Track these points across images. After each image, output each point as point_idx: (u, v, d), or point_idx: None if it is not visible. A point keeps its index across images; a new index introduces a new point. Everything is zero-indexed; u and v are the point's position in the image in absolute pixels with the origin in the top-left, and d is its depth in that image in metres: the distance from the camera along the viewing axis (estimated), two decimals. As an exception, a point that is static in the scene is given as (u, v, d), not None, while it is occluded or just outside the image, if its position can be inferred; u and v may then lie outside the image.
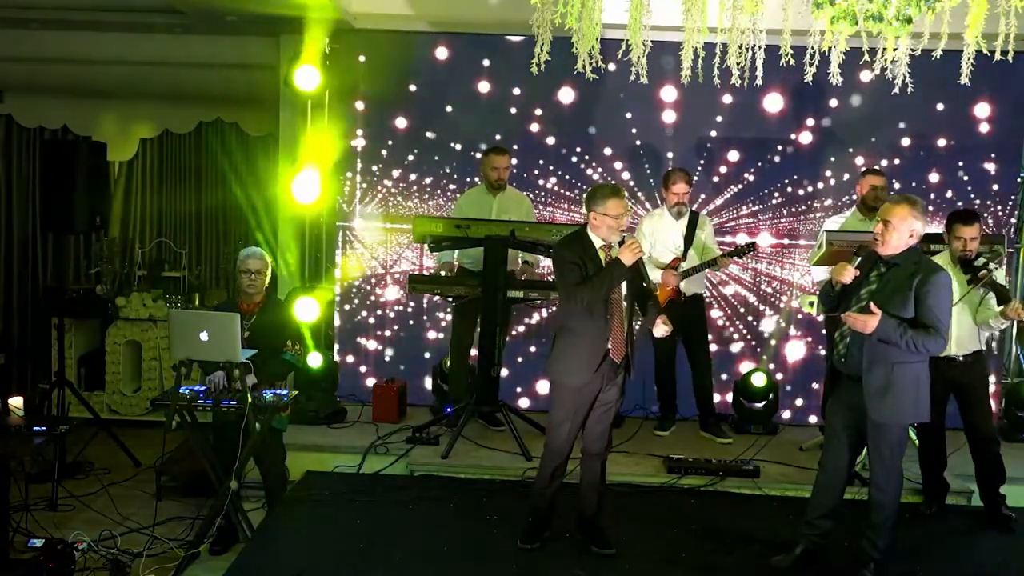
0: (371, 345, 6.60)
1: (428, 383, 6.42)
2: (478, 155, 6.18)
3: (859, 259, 3.98)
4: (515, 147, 6.35)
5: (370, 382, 6.38)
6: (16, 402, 5.13)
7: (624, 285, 4.09)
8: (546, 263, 6.18)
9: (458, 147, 6.39)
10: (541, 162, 6.42)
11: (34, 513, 4.68)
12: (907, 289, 3.81)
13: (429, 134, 6.45)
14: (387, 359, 6.59)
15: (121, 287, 7.17)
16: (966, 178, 6.27)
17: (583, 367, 4.05)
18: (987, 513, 4.85)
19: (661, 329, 4.09)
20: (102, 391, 6.74)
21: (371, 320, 6.59)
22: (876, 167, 5.83)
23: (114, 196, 7.63)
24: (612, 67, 5.67)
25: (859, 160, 6.26)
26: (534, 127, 6.39)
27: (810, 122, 6.30)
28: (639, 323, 4.36)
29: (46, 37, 6.74)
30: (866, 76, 5.71)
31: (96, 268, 7.38)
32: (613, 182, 6.22)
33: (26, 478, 4.84)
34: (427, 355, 6.52)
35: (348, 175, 6.50)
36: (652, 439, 5.80)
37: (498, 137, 6.36)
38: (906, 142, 6.27)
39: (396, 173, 6.49)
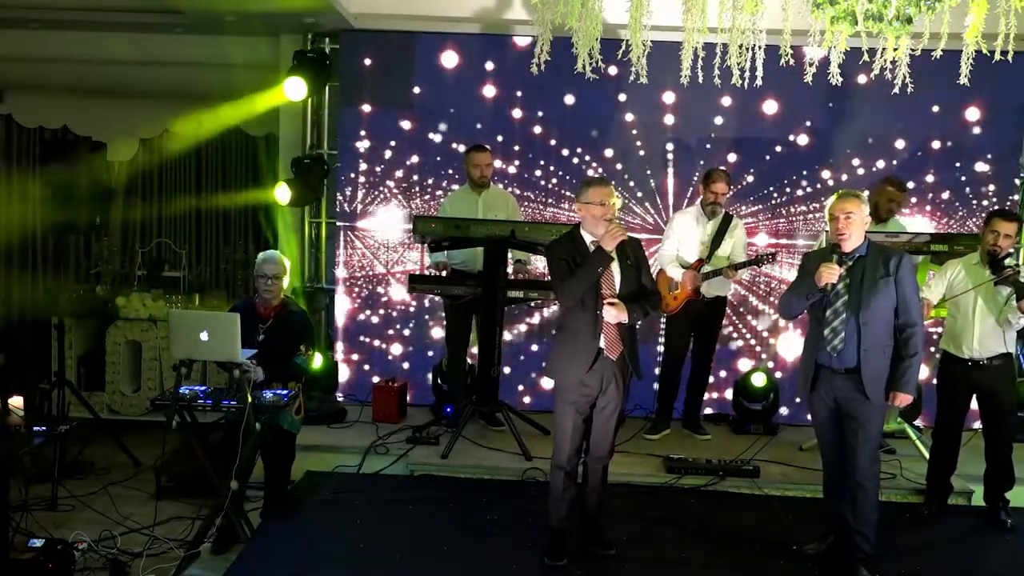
0: (370, 345, 6.60)
1: (428, 383, 6.42)
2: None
3: (836, 256, 3.98)
4: (519, 150, 6.38)
5: (370, 382, 6.38)
6: (16, 402, 5.13)
7: (618, 281, 4.06)
8: (542, 263, 6.18)
9: (461, 148, 6.38)
10: (543, 161, 6.42)
11: (34, 513, 4.67)
12: (886, 274, 3.92)
13: (433, 136, 6.45)
14: (386, 359, 6.58)
15: (121, 287, 7.17)
16: (963, 179, 6.28)
17: (576, 364, 4.04)
18: (988, 513, 4.85)
19: (611, 313, 3.98)
20: (102, 391, 6.74)
21: (371, 320, 6.59)
22: (898, 178, 5.72)
23: (114, 196, 7.63)
24: (613, 68, 5.70)
25: (856, 161, 6.27)
26: (537, 128, 6.39)
27: (808, 123, 6.31)
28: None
29: (46, 37, 6.74)
30: (864, 77, 5.70)
31: (96, 268, 7.38)
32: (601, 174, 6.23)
33: (26, 478, 4.83)
34: (426, 355, 6.52)
35: (349, 175, 6.49)
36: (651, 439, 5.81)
37: (500, 138, 6.37)
38: (902, 143, 6.27)
39: (398, 173, 6.49)
